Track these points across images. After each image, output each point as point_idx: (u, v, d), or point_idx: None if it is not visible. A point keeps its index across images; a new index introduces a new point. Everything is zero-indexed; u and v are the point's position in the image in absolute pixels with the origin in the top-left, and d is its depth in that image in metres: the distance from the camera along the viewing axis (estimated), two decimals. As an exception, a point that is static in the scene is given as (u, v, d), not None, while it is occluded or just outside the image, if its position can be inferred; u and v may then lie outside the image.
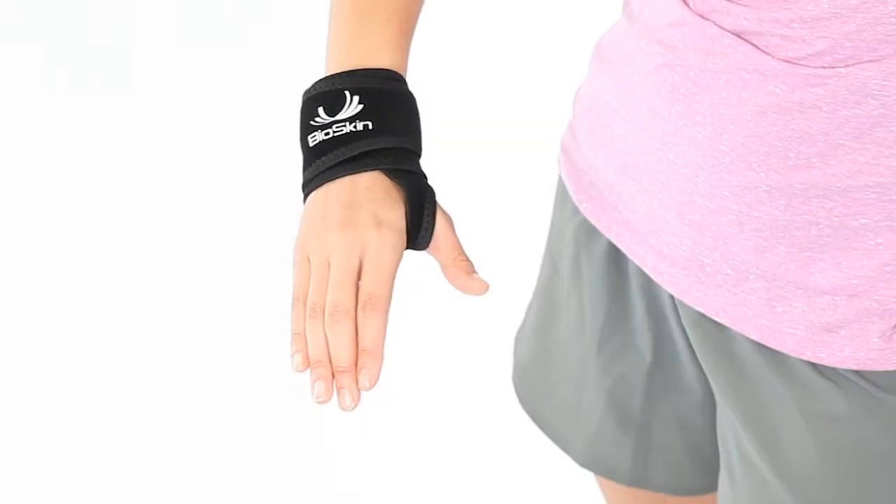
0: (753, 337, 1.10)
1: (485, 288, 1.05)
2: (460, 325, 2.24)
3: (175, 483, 2.19)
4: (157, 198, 2.68)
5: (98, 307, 2.46)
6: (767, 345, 1.09)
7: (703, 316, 1.13)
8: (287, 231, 1.09)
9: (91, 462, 2.22)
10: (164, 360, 2.37)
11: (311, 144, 1.05)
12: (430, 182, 1.06)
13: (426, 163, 1.07)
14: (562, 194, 1.26)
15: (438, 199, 1.07)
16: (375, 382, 0.98)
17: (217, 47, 2.96)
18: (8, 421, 2.30)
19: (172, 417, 2.29)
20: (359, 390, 0.98)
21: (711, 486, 1.30)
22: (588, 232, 1.21)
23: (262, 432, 2.27)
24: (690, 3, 1.05)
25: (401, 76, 1.08)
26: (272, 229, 2.27)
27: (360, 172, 1.04)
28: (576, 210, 1.22)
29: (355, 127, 1.04)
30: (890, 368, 1.06)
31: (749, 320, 1.09)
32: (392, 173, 1.05)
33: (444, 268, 1.07)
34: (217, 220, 2.62)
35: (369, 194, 1.03)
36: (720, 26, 1.03)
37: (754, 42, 1.01)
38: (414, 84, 1.09)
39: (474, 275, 1.06)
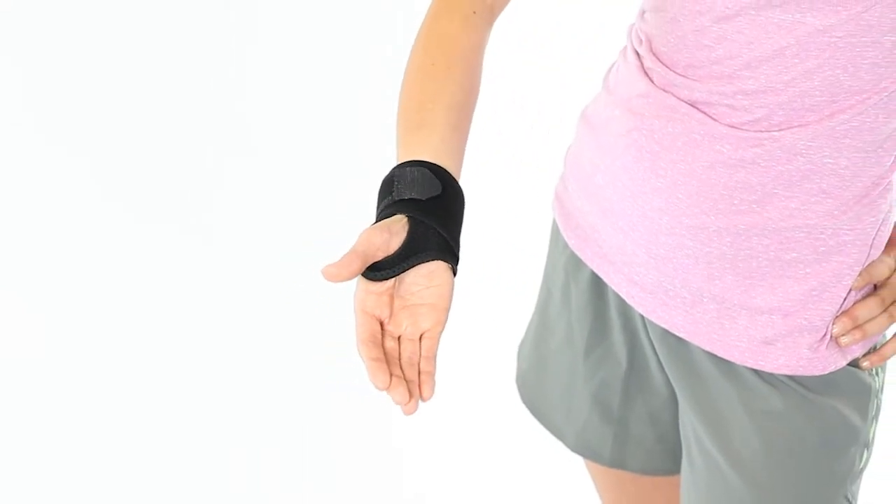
0: (707, 348, 1.20)
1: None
2: (476, 339, 2.28)
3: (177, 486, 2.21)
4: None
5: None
6: (718, 355, 1.20)
7: (666, 331, 1.23)
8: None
9: (93, 463, 2.25)
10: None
11: None
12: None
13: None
14: (555, 233, 1.34)
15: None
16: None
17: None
18: (8, 421, 2.32)
19: (177, 419, 2.31)
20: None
21: (678, 469, 1.39)
22: (575, 263, 1.30)
23: (263, 433, 2.29)
24: (654, 79, 1.16)
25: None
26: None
27: None
28: (566, 245, 1.30)
29: None
30: (816, 374, 1.18)
31: (703, 335, 1.19)
32: None
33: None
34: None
35: None
36: (678, 97, 1.14)
37: (705, 110, 1.12)
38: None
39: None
